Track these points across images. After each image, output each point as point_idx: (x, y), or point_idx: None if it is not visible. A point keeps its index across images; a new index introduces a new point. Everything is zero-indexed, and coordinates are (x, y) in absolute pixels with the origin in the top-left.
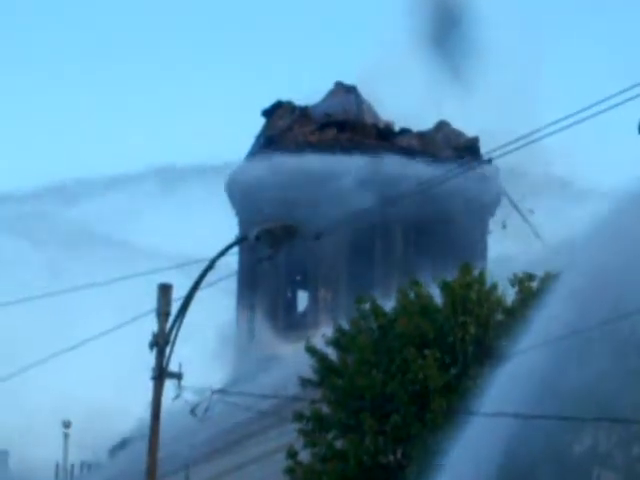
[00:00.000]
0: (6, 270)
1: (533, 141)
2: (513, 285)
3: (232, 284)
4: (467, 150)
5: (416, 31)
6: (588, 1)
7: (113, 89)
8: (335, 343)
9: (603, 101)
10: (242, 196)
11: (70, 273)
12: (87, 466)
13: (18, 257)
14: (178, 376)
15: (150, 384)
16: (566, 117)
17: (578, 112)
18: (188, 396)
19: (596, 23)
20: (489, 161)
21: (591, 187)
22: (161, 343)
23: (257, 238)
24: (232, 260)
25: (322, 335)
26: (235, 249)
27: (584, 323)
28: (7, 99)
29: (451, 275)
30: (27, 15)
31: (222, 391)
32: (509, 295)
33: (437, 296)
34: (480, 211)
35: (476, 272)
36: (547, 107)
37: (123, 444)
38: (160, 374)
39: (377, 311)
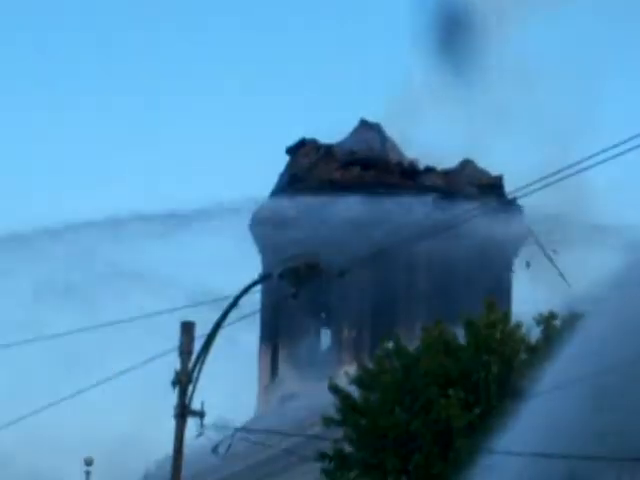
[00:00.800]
0: (26, 306)
1: (558, 180)
2: (538, 324)
3: (255, 322)
4: (491, 188)
5: (441, 69)
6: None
7: (135, 125)
8: (358, 382)
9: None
10: (266, 234)
11: (93, 310)
12: None
13: (38, 292)
14: (200, 414)
15: (172, 422)
16: (588, 157)
17: (595, 154)
18: (210, 434)
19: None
20: (513, 200)
21: (618, 225)
22: (183, 381)
23: (281, 276)
24: (255, 298)
25: (345, 373)
26: (258, 287)
27: (608, 364)
28: (46, 133)
29: (475, 314)
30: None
31: (244, 429)
32: (533, 334)
33: (461, 335)
34: (504, 250)
35: (500, 311)
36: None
37: None
38: (182, 412)
39: (401, 350)
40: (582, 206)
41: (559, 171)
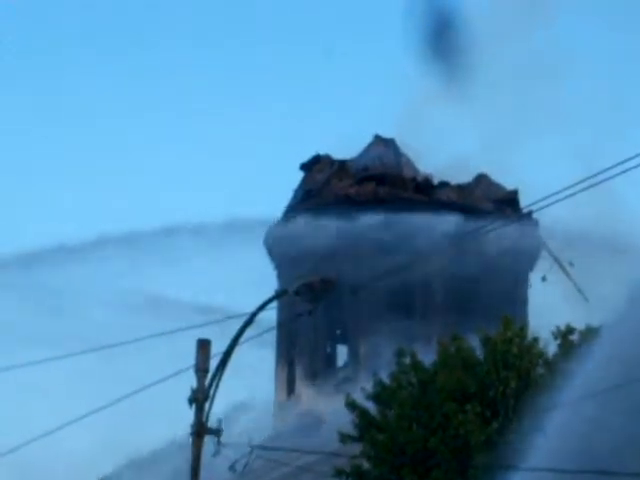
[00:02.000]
0: (40, 326)
1: (574, 194)
2: (556, 338)
3: (271, 339)
4: (506, 203)
5: (456, 85)
6: None
7: (146, 145)
8: (375, 398)
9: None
10: (281, 250)
11: (107, 328)
12: None
13: (53, 313)
14: (217, 432)
15: (189, 439)
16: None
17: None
18: (227, 452)
19: None
20: (529, 214)
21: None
22: (200, 399)
23: (296, 292)
24: (271, 315)
25: (362, 389)
26: (274, 303)
27: (627, 378)
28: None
29: (492, 329)
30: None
31: (261, 447)
32: (550, 349)
33: (477, 349)
34: (520, 264)
35: (517, 326)
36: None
37: None
38: (199, 430)
39: (417, 365)
40: (601, 219)
41: (574, 185)
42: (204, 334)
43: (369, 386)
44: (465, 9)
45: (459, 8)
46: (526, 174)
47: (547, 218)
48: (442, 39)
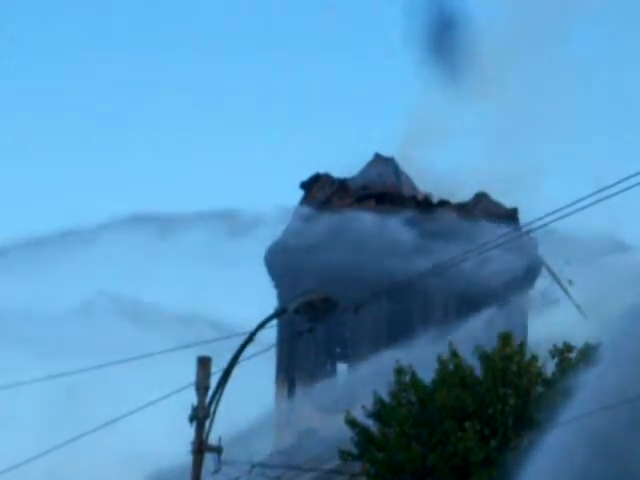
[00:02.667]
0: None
1: (575, 211)
2: (553, 356)
3: (271, 356)
4: (506, 221)
5: (454, 103)
6: None
7: (147, 163)
8: (375, 415)
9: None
10: (281, 268)
11: (107, 345)
12: None
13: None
14: (218, 450)
15: (190, 457)
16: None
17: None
18: (228, 470)
19: None
20: (528, 232)
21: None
22: (201, 416)
23: (297, 311)
24: (271, 332)
25: (362, 407)
26: (274, 321)
27: (627, 395)
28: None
29: (490, 346)
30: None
31: (262, 465)
32: (549, 366)
33: (477, 367)
34: (519, 282)
35: (515, 344)
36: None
37: None
38: (200, 448)
39: (416, 383)
40: (602, 234)
41: (574, 202)
42: (203, 351)
43: (369, 404)
44: (471, 24)
45: (465, 23)
46: (526, 192)
47: (547, 234)
48: (445, 53)
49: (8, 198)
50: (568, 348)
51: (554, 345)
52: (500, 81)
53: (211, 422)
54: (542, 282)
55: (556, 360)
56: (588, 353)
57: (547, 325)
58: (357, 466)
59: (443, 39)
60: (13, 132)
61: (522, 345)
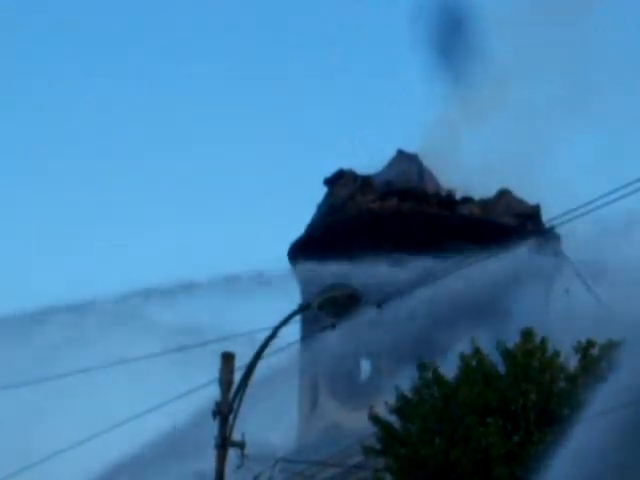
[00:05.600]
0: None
1: (595, 208)
2: (577, 352)
3: (295, 352)
4: (528, 218)
5: (477, 100)
6: None
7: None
8: (398, 411)
9: None
10: (305, 264)
11: (122, 343)
12: None
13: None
14: (241, 445)
15: (213, 453)
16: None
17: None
18: (251, 465)
19: None
20: (550, 229)
21: None
22: (224, 412)
23: (320, 306)
24: (295, 329)
25: (385, 403)
26: (297, 317)
27: None
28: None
29: (513, 342)
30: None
31: (285, 460)
32: (571, 362)
33: (499, 363)
34: (542, 278)
35: (538, 339)
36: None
37: None
38: (223, 443)
39: (440, 379)
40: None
41: (596, 199)
42: (228, 347)
43: (392, 400)
44: (485, 27)
45: (479, 26)
46: (549, 189)
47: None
48: (463, 55)
49: None
50: (591, 344)
51: (578, 341)
52: (523, 79)
53: (234, 418)
54: (565, 278)
55: (579, 356)
56: (611, 349)
57: (569, 321)
58: (380, 462)
59: (459, 38)
60: None
61: (544, 341)
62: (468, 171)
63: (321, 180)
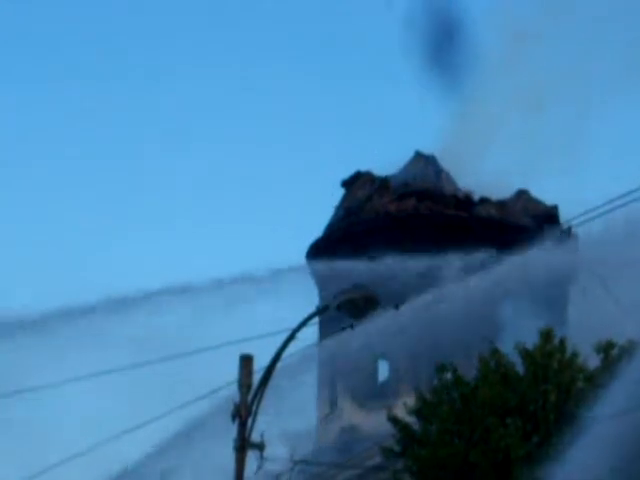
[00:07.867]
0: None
1: (613, 209)
2: (598, 352)
3: (313, 354)
4: (546, 218)
5: (494, 101)
6: None
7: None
8: (417, 413)
9: None
10: (322, 266)
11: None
12: None
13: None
14: (260, 447)
15: (232, 455)
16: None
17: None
18: (270, 467)
19: None
20: (568, 229)
21: None
22: (243, 414)
23: (338, 308)
24: (313, 330)
25: (403, 404)
26: (316, 319)
27: None
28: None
29: (531, 342)
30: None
31: (304, 462)
32: (590, 363)
33: (518, 363)
34: (559, 278)
35: (557, 340)
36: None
37: None
38: (242, 445)
39: (459, 380)
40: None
41: (613, 200)
42: (247, 349)
43: (411, 401)
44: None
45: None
46: (566, 189)
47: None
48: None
49: None
50: (610, 345)
51: (596, 341)
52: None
53: (253, 419)
54: (583, 279)
55: (599, 356)
56: (630, 350)
57: (588, 321)
58: (399, 463)
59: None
60: None
61: (563, 341)
62: (485, 172)
63: (339, 182)
